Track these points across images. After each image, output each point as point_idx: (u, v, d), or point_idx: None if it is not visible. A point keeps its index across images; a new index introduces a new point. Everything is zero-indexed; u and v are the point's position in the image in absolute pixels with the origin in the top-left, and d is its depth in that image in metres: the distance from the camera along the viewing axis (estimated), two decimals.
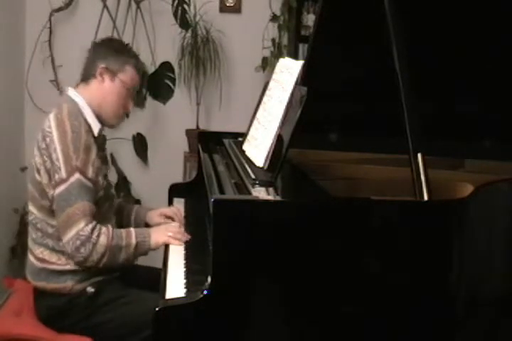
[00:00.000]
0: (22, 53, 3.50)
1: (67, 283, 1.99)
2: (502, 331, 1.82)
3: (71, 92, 2.09)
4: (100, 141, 2.10)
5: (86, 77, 2.10)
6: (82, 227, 1.89)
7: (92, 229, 1.90)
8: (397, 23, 1.70)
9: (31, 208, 2.05)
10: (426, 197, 1.59)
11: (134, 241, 1.97)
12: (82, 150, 1.93)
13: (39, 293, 2.05)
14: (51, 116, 2.01)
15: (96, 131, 2.03)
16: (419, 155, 1.62)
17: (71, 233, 1.89)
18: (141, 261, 2.29)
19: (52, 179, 1.94)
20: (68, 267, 1.99)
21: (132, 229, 2.02)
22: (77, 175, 1.91)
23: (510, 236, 1.80)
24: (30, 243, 2.07)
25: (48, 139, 1.96)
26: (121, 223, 2.32)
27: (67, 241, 1.91)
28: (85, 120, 2.01)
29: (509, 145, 2.16)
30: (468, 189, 1.78)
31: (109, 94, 2.07)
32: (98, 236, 1.90)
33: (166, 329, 1.52)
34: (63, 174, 1.91)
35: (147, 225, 2.32)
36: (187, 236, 2.03)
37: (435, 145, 1.76)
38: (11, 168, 3.32)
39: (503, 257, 1.82)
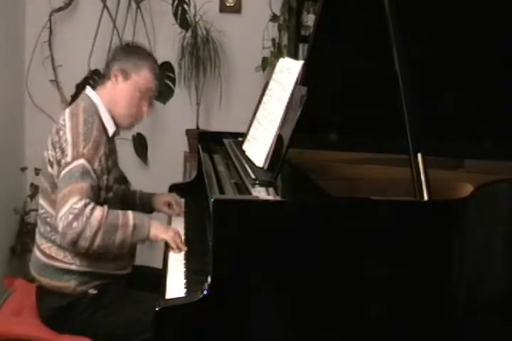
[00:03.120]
0: (22, 53, 3.50)
1: (70, 283, 1.99)
2: (502, 331, 1.82)
3: (89, 91, 2.11)
4: (113, 143, 2.12)
5: (103, 79, 2.14)
6: (75, 201, 1.85)
7: (86, 204, 1.86)
8: (397, 23, 1.70)
9: (41, 202, 2.05)
10: (426, 197, 1.59)
11: (131, 221, 1.93)
12: (92, 143, 1.94)
13: (41, 292, 2.05)
14: (67, 111, 2.03)
15: (111, 132, 2.06)
16: (419, 155, 1.62)
17: (65, 208, 1.85)
18: (141, 261, 2.29)
19: (60, 166, 1.94)
20: (73, 267, 1.98)
21: (130, 211, 1.97)
22: (81, 161, 1.91)
23: (510, 237, 1.80)
24: (37, 237, 2.06)
25: (61, 132, 1.97)
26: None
27: (60, 218, 1.86)
28: (100, 119, 2.04)
29: (509, 145, 2.16)
30: (468, 189, 1.78)
31: (121, 94, 2.08)
32: (92, 210, 1.86)
33: (166, 329, 1.52)
34: (69, 158, 1.92)
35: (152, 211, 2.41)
36: (184, 245, 1.98)
37: (435, 145, 1.76)
38: (11, 168, 3.32)
39: (503, 257, 1.82)
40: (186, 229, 2.17)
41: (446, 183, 1.89)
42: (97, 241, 1.87)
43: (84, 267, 1.98)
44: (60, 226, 1.86)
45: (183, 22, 3.37)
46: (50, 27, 3.45)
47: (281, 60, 2.10)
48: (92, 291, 1.99)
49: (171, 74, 3.42)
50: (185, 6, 3.35)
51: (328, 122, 2.31)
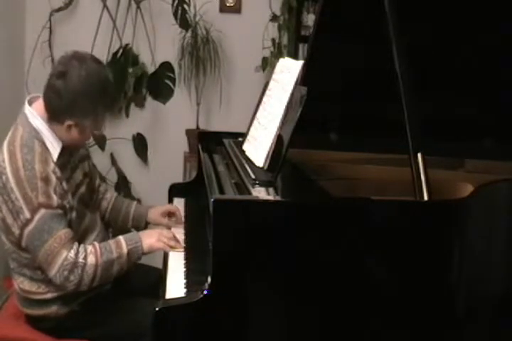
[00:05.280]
0: (22, 53, 3.50)
1: (52, 309, 1.94)
2: (502, 331, 1.81)
3: (28, 111, 1.95)
4: (66, 153, 1.96)
5: (50, 116, 1.91)
6: (65, 257, 1.81)
7: (76, 254, 1.83)
8: (397, 23, 1.70)
9: (4, 238, 1.95)
10: (426, 197, 1.59)
11: (125, 250, 1.89)
12: (40, 184, 1.82)
13: (28, 317, 2.02)
14: (5, 147, 1.89)
15: (55, 156, 1.89)
16: (419, 155, 1.62)
17: (56, 266, 1.82)
18: (141, 260, 2.28)
19: (17, 219, 1.84)
20: (49, 295, 1.93)
21: (121, 238, 1.93)
22: (42, 211, 1.82)
23: (510, 236, 1.80)
24: (11, 272, 2.01)
25: (3, 177, 1.84)
26: (118, 221, 2.30)
27: (54, 275, 1.83)
28: (43, 143, 1.89)
29: (509, 145, 2.16)
30: (468, 189, 1.78)
31: (76, 139, 1.93)
32: (85, 257, 1.83)
33: (166, 329, 1.52)
34: (27, 214, 1.82)
35: (146, 224, 2.32)
36: (181, 244, 1.98)
37: (435, 145, 1.76)
38: None
39: (503, 257, 1.81)
40: (186, 229, 2.17)
41: (446, 183, 1.89)
42: (96, 281, 1.87)
43: (60, 291, 1.92)
44: (57, 282, 1.85)
45: (183, 22, 3.37)
46: (50, 27, 3.45)
47: (281, 60, 2.10)
48: (76, 308, 1.95)
49: (171, 74, 3.42)
50: (185, 6, 3.35)
51: (328, 122, 2.31)
